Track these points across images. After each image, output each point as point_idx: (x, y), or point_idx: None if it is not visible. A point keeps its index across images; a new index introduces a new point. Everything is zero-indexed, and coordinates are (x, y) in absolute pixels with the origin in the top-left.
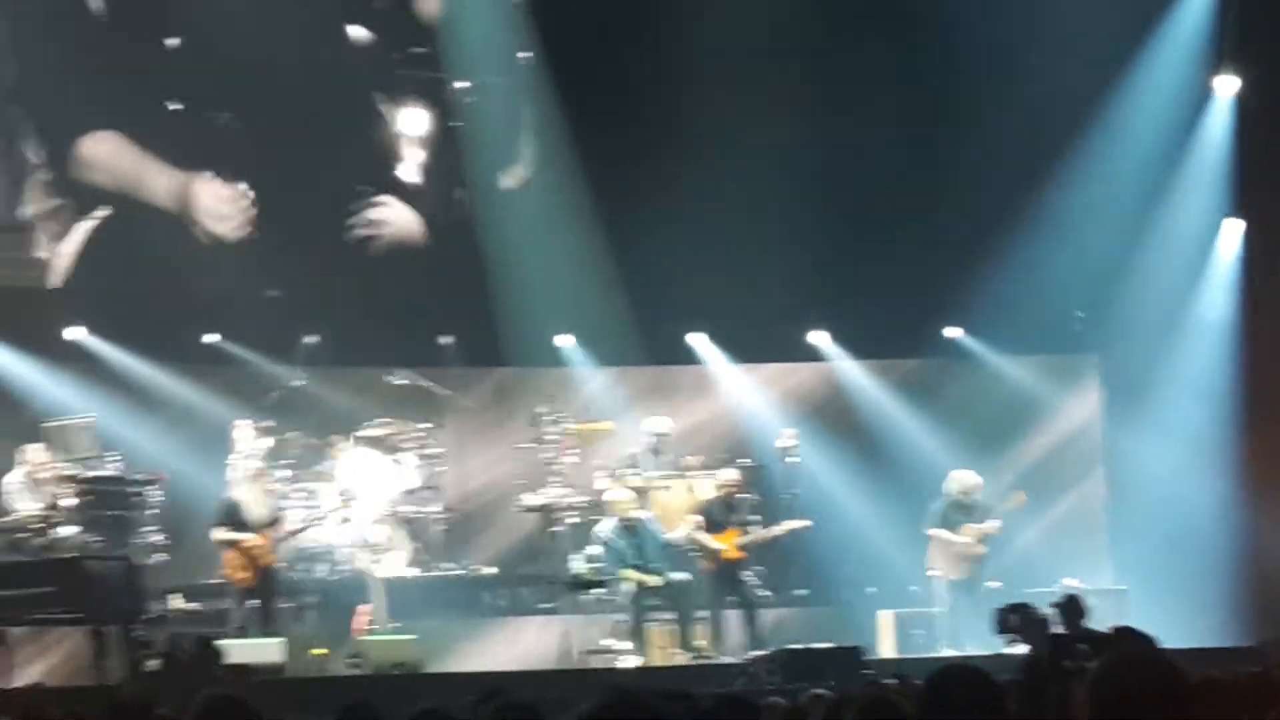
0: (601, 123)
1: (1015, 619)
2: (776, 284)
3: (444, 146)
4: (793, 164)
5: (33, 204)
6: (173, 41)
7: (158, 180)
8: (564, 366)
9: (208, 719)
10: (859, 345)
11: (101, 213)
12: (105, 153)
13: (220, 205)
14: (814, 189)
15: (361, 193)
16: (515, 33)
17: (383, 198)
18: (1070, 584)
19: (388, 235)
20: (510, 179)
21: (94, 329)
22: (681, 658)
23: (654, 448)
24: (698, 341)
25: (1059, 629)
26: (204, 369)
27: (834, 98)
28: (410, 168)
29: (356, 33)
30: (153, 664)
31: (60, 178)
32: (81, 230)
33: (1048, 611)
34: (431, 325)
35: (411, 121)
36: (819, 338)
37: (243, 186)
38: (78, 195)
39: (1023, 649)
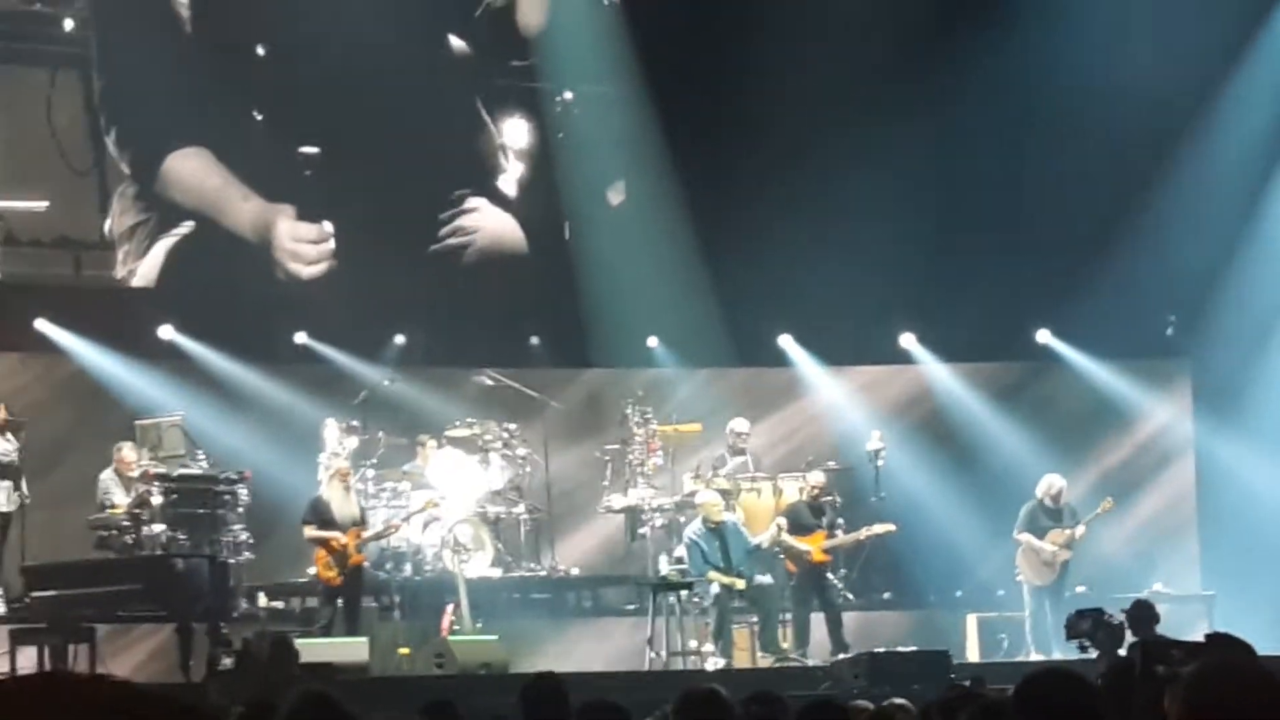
0: (695, 129)
1: (1086, 624)
2: (867, 288)
3: (544, 157)
4: (885, 169)
5: (117, 218)
6: (262, 50)
7: (241, 208)
8: (654, 368)
9: (299, 715)
10: (949, 349)
11: (185, 229)
12: (191, 170)
13: (299, 247)
14: (906, 193)
15: (454, 199)
16: (615, 42)
17: (474, 202)
18: (1157, 589)
19: (480, 243)
20: (615, 194)
21: (184, 328)
22: (766, 660)
23: (733, 447)
24: (788, 344)
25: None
26: (293, 368)
27: (926, 103)
28: (510, 178)
29: (458, 43)
30: (227, 662)
31: (145, 191)
32: (163, 246)
33: (1121, 618)
34: (521, 326)
35: (513, 132)
36: (909, 341)
37: (327, 226)
38: (161, 210)
39: (1094, 654)
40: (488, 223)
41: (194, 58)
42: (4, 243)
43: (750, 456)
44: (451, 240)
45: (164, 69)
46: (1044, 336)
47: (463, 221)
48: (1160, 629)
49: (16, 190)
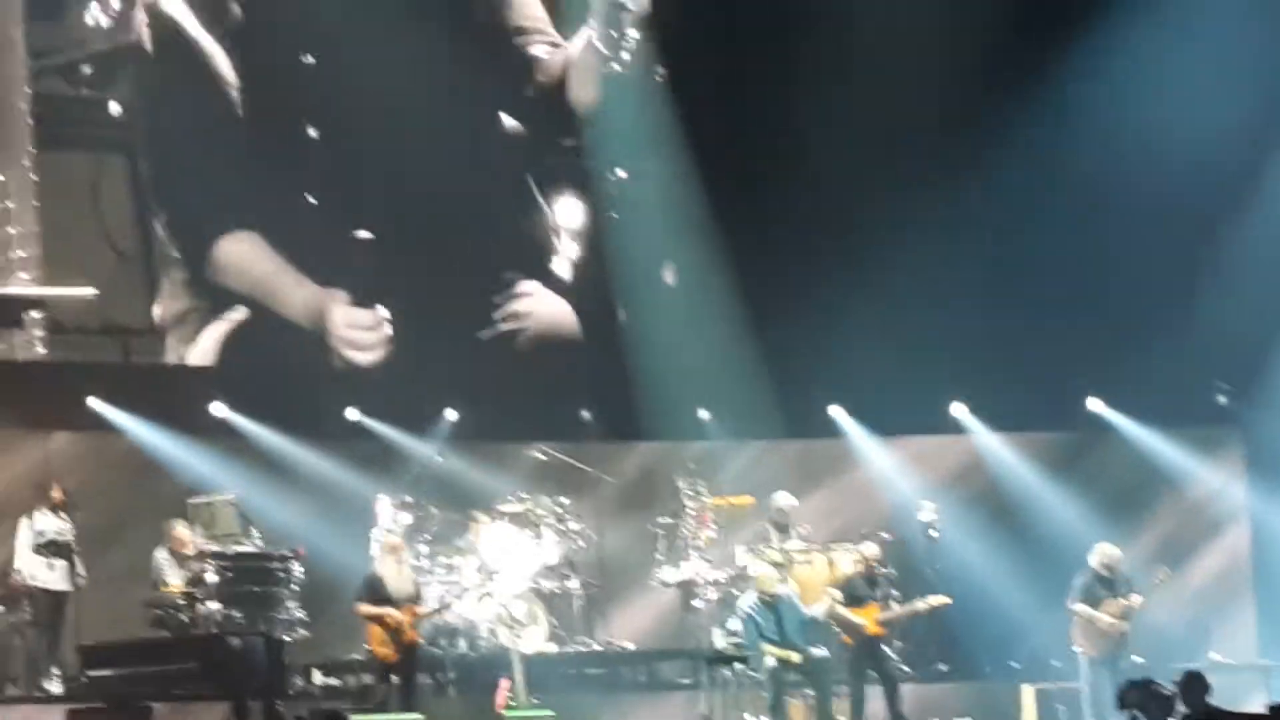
0: (743, 200)
1: (1137, 695)
2: (917, 358)
3: (597, 236)
4: (934, 238)
5: (166, 304)
6: (314, 132)
7: (294, 294)
8: (706, 440)
9: None
10: (1001, 418)
11: (237, 314)
12: (242, 255)
13: (355, 334)
14: (956, 263)
15: (507, 282)
16: (666, 118)
17: (527, 286)
18: (1213, 658)
19: (533, 330)
20: (669, 272)
21: (235, 405)
22: None
23: (777, 523)
24: (839, 415)
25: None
26: (345, 444)
27: (974, 172)
28: (564, 259)
29: (510, 122)
30: None
31: (195, 277)
32: (214, 332)
33: (1172, 688)
34: (573, 400)
35: (566, 212)
36: (960, 411)
37: (382, 311)
38: (211, 297)
39: None
40: (540, 308)
41: (245, 140)
42: (51, 330)
43: (795, 531)
44: (504, 327)
45: (214, 152)
46: (1095, 405)
47: (515, 307)
48: (1216, 699)
49: (63, 277)
